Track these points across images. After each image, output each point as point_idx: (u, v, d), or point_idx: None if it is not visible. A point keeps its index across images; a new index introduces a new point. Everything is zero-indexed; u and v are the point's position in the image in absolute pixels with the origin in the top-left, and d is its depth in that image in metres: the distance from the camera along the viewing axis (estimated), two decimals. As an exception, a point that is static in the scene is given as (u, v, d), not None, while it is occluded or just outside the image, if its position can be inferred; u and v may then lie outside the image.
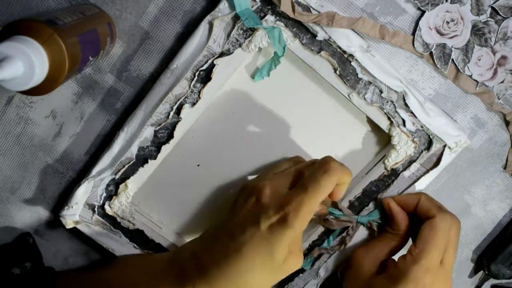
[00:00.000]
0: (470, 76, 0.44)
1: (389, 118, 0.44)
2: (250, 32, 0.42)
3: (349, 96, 0.44)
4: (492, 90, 0.44)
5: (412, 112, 0.44)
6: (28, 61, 0.30)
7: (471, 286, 0.52)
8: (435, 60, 0.43)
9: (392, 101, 0.44)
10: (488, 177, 0.48)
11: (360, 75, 0.43)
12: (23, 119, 0.47)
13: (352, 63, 0.43)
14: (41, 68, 0.31)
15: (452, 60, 0.43)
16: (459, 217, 0.49)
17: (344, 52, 0.42)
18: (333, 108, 0.46)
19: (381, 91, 0.43)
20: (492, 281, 0.51)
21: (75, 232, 0.50)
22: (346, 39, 0.42)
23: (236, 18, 0.41)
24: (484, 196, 0.48)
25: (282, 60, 0.43)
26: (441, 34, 0.42)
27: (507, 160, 0.47)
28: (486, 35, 0.42)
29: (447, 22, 0.42)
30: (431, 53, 0.43)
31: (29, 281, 0.46)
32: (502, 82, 0.44)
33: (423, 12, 0.42)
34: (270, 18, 0.41)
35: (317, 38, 0.42)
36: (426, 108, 0.44)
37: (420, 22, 0.42)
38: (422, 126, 0.44)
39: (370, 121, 0.46)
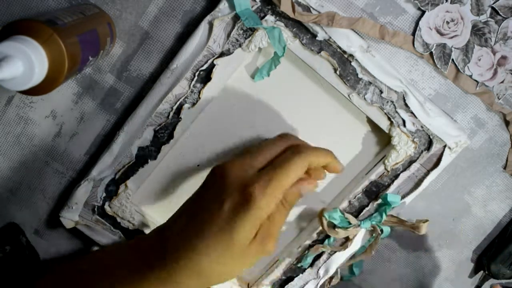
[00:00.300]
0: (470, 76, 0.44)
1: (389, 118, 0.44)
2: (250, 32, 0.42)
3: (349, 96, 0.44)
4: (492, 90, 0.44)
5: (412, 112, 0.44)
6: (28, 61, 0.30)
7: (471, 286, 0.52)
8: (435, 60, 0.43)
9: (392, 101, 0.44)
10: (488, 177, 0.48)
11: (360, 75, 0.43)
12: (23, 119, 0.47)
13: (352, 63, 0.43)
14: (41, 68, 0.31)
15: (452, 60, 0.43)
16: (459, 217, 0.49)
17: (344, 52, 0.42)
18: (333, 108, 0.46)
19: (381, 91, 0.43)
20: (492, 281, 0.51)
21: (75, 232, 0.50)
22: (346, 39, 0.42)
23: (236, 18, 0.41)
24: (484, 196, 0.48)
25: (282, 60, 0.43)
26: (441, 34, 0.42)
27: (507, 160, 0.47)
28: (486, 35, 0.42)
29: (447, 22, 0.42)
30: (431, 53, 0.43)
31: (9, 263, 0.45)
32: (502, 82, 0.44)
33: (423, 12, 0.42)
34: (270, 18, 0.41)
35: (317, 38, 0.42)
36: (426, 108, 0.44)
37: (420, 22, 0.42)
38: (422, 126, 0.44)
39: (370, 121, 0.46)
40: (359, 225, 0.46)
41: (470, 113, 0.45)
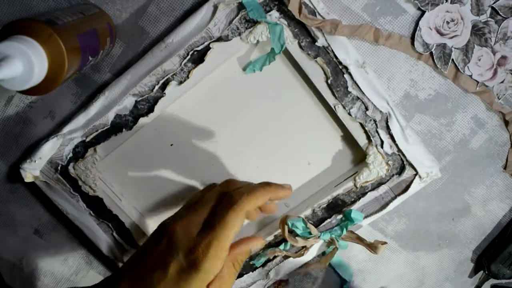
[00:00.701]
0: (470, 76, 0.44)
1: (368, 137, 0.45)
2: (252, 23, 0.42)
3: (334, 107, 0.44)
4: (492, 90, 0.44)
5: (391, 135, 0.44)
6: (28, 61, 0.30)
7: (471, 286, 0.52)
8: (435, 60, 0.43)
9: (375, 121, 0.44)
10: (488, 177, 0.48)
11: (350, 89, 0.43)
12: (22, 119, 0.47)
13: (345, 76, 0.43)
14: (41, 68, 0.31)
15: (452, 60, 0.43)
16: (459, 217, 0.49)
17: (340, 63, 0.42)
18: (315, 116, 0.46)
19: (366, 109, 0.44)
20: (492, 281, 0.51)
21: (75, 232, 0.50)
22: (344, 51, 0.42)
23: (241, 7, 0.41)
24: (484, 196, 0.48)
25: (277, 58, 0.43)
26: (441, 34, 0.42)
27: (507, 160, 0.47)
28: (486, 35, 0.42)
29: (447, 22, 0.42)
30: (431, 53, 0.43)
31: None
32: (502, 82, 0.44)
33: (423, 12, 0.42)
34: (275, 14, 0.41)
35: (316, 43, 0.42)
36: (406, 134, 0.44)
37: (420, 22, 0.42)
38: (398, 151, 0.45)
39: (349, 136, 0.46)
40: (319, 237, 0.46)
41: (470, 113, 0.45)
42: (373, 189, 0.47)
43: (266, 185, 0.39)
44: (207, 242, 0.35)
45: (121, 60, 0.44)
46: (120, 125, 0.45)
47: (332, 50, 0.42)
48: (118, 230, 0.48)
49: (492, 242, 0.50)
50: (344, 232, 0.47)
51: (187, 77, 0.43)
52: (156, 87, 0.43)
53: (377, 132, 0.44)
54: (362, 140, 0.45)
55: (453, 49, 0.43)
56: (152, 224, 0.50)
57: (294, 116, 0.46)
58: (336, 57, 0.42)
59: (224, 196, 0.38)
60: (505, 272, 0.49)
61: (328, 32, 0.41)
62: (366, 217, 0.47)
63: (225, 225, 0.35)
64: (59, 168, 0.46)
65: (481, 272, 0.51)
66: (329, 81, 0.43)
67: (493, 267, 0.49)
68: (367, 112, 0.44)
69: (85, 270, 0.52)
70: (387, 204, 0.47)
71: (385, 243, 0.46)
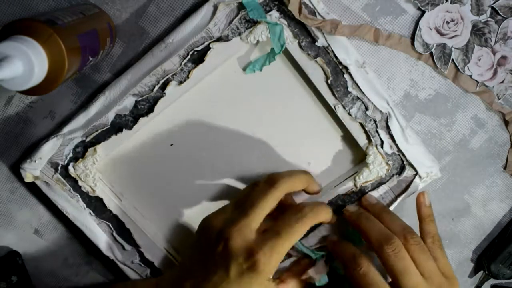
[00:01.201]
0: (470, 76, 0.44)
1: (368, 137, 0.45)
2: (252, 23, 0.42)
3: (334, 107, 0.44)
4: (492, 90, 0.44)
5: (391, 135, 0.44)
6: (28, 61, 0.30)
7: (471, 286, 0.52)
8: (435, 60, 0.43)
9: (375, 121, 0.44)
10: (488, 177, 0.48)
11: (350, 89, 0.43)
12: (22, 119, 0.47)
13: (345, 76, 0.43)
14: (41, 68, 0.31)
15: (452, 60, 0.43)
16: (459, 217, 0.49)
17: (340, 63, 0.42)
18: (315, 116, 0.46)
19: (366, 109, 0.44)
20: (492, 281, 0.51)
21: (75, 232, 0.50)
22: (344, 51, 0.42)
23: (241, 7, 0.41)
24: (484, 196, 0.48)
25: (277, 59, 0.43)
26: (441, 34, 0.42)
27: (507, 160, 0.47)
28: (486, 35, 0.42)
29: (447, 22, 0.42)
30: (431, 53, 0.43)
31: None
32: (502, 82, 0.44)
33: (423, 12, 0.42)
34: (275, 14, 0.41)
35: (316, 43, 0.42)
36: (406, 134, 0.44)
37: (420, 22, 0.42)
38: (398, 151, 0.45)
39: (349, 136, 0.46)
40: (314, 256, 0.47)
41: (470, 113, 0.45)
42: (373, 189, 0.46)
43: (304, 171, 0.43)
44: (271, 246, 0.37)
45: (121, 60, 0.44)
46: (120, 125, 0.45)
47: (332, 50, 0.42)
48: (118, 230, 0.48)
49: (492, 242, 0.50)
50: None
51: (187, 77, 0.43)
52: (156, 87, 0.43)
53: (377, 132, 0.44)
54: (362, 140, 0.45)
55: (453, 49, 0.43)
56: (152, 224, 0.50)
57: (294, 116, 0.46)
58: (336, 57, 0.42)
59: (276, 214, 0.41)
60: (505, 272, 0.49)
61: (328, 32, 0.41)
62: None
63: (292, 233, 0.38)
64: (59, 168, 0.46)
65: (481, 272, 0.51)
66: (329, 81, 0.43)
67: (493, 267, 0.49)
68: (367, 112, 0.44)
69: (85, 270, 0.52)
70: (388, 206, 0.47)
71: None
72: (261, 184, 0.41)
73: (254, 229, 0.38)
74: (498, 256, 0.48)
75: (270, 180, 0.40)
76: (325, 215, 0.41)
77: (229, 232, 0.38)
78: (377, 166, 0.45)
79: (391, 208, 0.46)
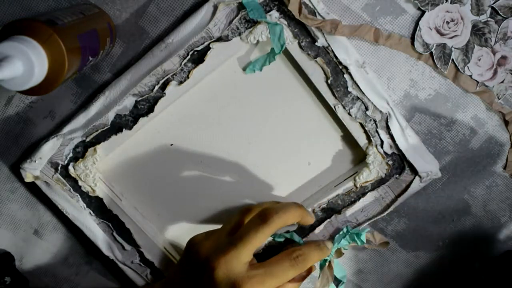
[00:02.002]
0: (470, 76, 0.44)
1: (368, 137, 0.45)
2: (252, 23, 0.42)
3: (334, 107, 0.44)
4: (492, 90, 0.44)
5: (391, 135, 0.44)
6: (28, 61, 0.30)
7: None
8: (435, 60, 0.43)
9: (375, 121, 0.44)
10: (488, 177, 0.48)
11: (350, 89, 0.43)
12: (22, 119, 0.47)
13: (345, 76, 0.43)
14: (41, 68, 0.31)
15: (452, 60, 0.43)
16: (459, 217, 0.49)
17: (340, 63, 0.42)
18: (315, 116, 0.46)
19: (366, 109, 0.44)
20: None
21: (75, 232, 0.50)
22: (344, 51, 0.42)
23: (241, 7, 0.41)
24: (484, 196, 0.48)
25: (277, 59, 0.43)
26: (441, 34, 0.42)
27: (507, 160, 0.47)
28: (486, 35, 0.42)
29: (447, 22, 0.42)
30: (431, 53, 0.43)
31: None
32: (502, 82, 0.44)
33: (423, 12, 0.42)
34: (275, 14, 0.41)
35: (316, 43, 0.42)
36: (406, 134, 0.44)
37: (420, 22, 0.42)
38: (398, 151, 0.45)
39: (349, 136, 0.46)
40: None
41: (470, 113, 0.45)
42: (373, 189, 0.47)
43: (297, 205, 0.42)
44: (259, 282, 0.37)
45: (121, 60, 0.44)
46: (120, 125, 0.45)
47: (332, 50, 0.42)
48: (118, 230, 0.48)
49: None
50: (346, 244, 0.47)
51: (187, 77, 0.43)
52: (156, 87, 0.43)
53: (377, 132, 0.44)
54: (362, 140, 0.45)
55: (453, 49, 0.43)
56: (152, 224, 0.50)
57: (294, 116, 0.46)
58: (336, 57, 0.42)
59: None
60: None
61: (328, 32, 0.41)
62: (368, 219, 0.47)
63: (280, 272, 0.38)
64: (59, 168, 0.46)
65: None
66: (329, 81, 0.43)
67: None
68: (367, 112, 0.44)
69: (85, 270, 0.52)
70: (388, 206, 0.47)
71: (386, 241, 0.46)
72: (253, 219, 0.40)
73: (242, 262, 0.38)
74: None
75: (263, 216, 0.39)
76: (292, 217, 0.41)
77: (216, 262, 0.38)
78: (377, 166, 0.45)
79: (391, 208, 0.46)
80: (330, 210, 0.48)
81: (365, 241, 0.47)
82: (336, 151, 0.47)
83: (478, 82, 0.44)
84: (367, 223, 0.48)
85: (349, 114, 0.44)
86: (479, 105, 0.45)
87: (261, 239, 0.38)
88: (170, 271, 0.45)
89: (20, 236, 0.51)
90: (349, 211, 0.47)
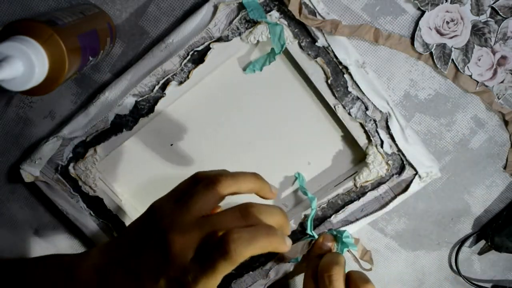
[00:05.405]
0: (470, 76, 0.44)
1: (368, 137, 0.45)
2: (252, 23, 0.42)
3: (334, 107, 0.44)
4: (492, 90, 0.44)
5: (391, 135, 0.44)
6: (28, 61, 0.30)
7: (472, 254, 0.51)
8: (435, 60, 0.43)
9: (375, 120, 0.44)
10: (488, 177, 0.48)
11: (350, 89, 0.43)
12: (22, 119, 0.47)
13: (345, 76, 0.43)
14: (41, 68, 0.31)
15: (452, 60, 0.43)
16: (459, 217, 0.49)
17: (340, 63, 0.42)
18: (315, 116, 0.46)
19: (366, 108, 0.44)
20: (493, 253, 0.50)
21: (75, 232, 0.50)
22: (344, 51, 0.42)
23: (241, 7, 0.41)
24: (484, 196, 0.48)
25: (277, 59, 0.43)
26: (441, 34, 0.42)
27: (507, 160, 0.47)
28: (486, 35, 0.42)
29: (447, 22, 0.42)
30: (431, 53, 0.43)
31: None
32: (502, 82, 0.44)
33: (423, 12, 0.42)
34: (275, 14, 0.41)
35: (316, 43, 0.42)
36: (406, 134, 0.44)
37: (420, 22, 0.42)
38: (398, 151, 0.45)
39: (349, 136, 0.46)
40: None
41: (470, 113, 0.45)
42: (373, 188, 0.47)
43: (255, 175, 0.36)
44: (197, 278, 0.33)
45: (121, 60, 0.44)
46: (120, 125, 0.45)
47: (332, 50, 0.42)
48: (118, 230, 0.48)
49: (500, 214, 0.49)
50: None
51: (187, 77, 0.43)
52: (156, 87, 0.43)
53: (377, 132, 0.44)
54: (362, 140, 0.45)
55: (453, 49, 0.43)
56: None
57: (294, 116, 0.46)
58: (336, 57, 0.42)
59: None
60: (509, 245, 0.48)
61: (328, 32, 0.41)
62: (366, 215, 0.47)
63: (214, 274, 0.33)
64: (59, 168, 0.46)
65: (483, 241, 0.50)
66: (329, 81, 0.43)
67: (497, 239, 0.48)
68: (367, 112, 0.44)
69: (85, 270, 0.52)
70: (387, 203, 0.47)
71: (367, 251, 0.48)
72: (203, 182, 0.36)
73: (196, 243, 0.33)
74: (504, 230, 0.47)
75: (212, 177, 0.35)
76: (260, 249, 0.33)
77: (172, 237, 0.33)
78: (377, 166, 0.45)
79: (390, 207, 0.47)
80: (330, 210, 0.48)
81: (349, 243, 0.46)
82: (336, 151, 0.47)
83: (478, 82, 0.44)
84: (367, 222, 0.48)
85: (349, 114, 0.44)
86: (479, 105, 0.45)
87: (211, 202, 0.34)
88: (125, 231, 0.39)
89: (20, 236, 0.51)
90: (348, 210, 0.47)
